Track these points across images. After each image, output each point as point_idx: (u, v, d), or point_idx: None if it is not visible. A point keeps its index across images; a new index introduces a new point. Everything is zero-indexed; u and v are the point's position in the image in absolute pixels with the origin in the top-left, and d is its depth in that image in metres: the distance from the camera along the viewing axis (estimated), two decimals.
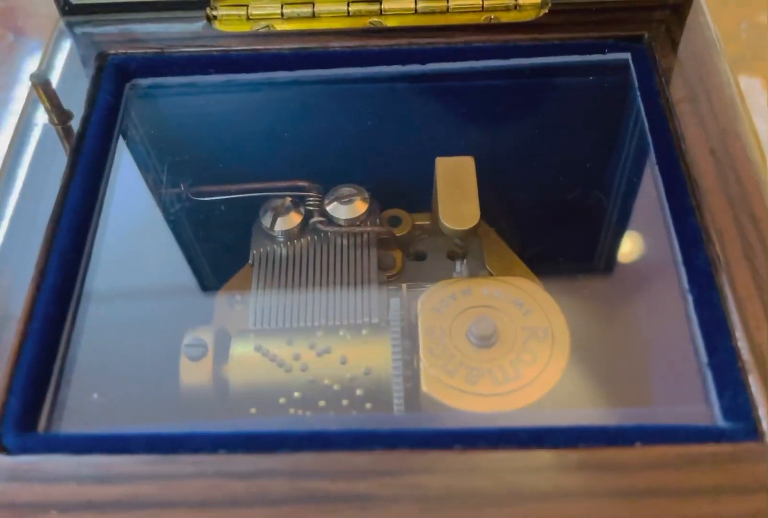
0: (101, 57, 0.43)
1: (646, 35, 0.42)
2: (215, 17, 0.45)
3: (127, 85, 0.43)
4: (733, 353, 0.31)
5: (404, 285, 0.44)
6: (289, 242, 0.45)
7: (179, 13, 0.44)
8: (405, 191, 0.47)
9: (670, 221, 0.35)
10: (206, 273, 0.46)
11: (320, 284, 0.43)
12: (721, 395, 0.31)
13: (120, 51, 0.43)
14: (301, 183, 0.45)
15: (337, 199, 0.45)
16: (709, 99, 0.39)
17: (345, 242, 0.44)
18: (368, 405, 0.39)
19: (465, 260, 0.45)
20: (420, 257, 0.48)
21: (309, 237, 0.45)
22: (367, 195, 0.45)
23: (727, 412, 0.30)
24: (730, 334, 0.32)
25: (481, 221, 0.42)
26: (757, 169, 0.36)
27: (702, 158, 0.37)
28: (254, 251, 0.44)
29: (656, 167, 0.37)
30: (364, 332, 0.41)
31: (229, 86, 0.43)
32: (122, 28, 0.44)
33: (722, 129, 0.38)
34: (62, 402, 0.33)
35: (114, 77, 0.42)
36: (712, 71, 0.40)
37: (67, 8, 0.44)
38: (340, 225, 0.45)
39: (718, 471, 0.28)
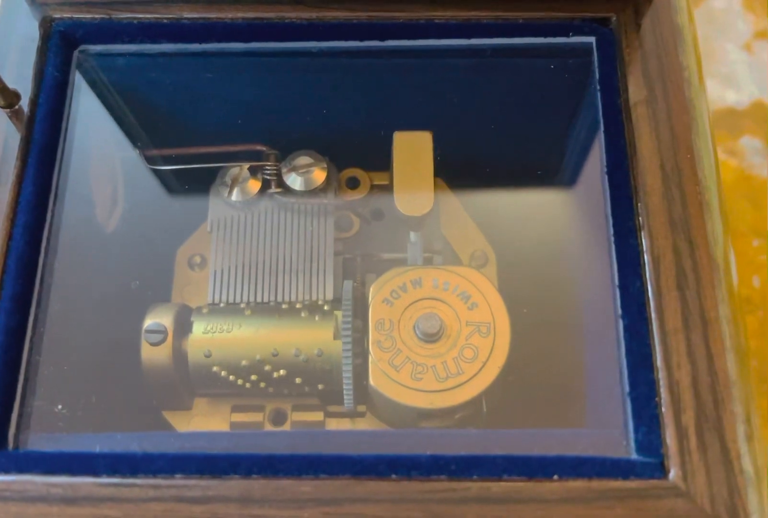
0: (45, 22, 0.41)
1: (614, 18, 0.41)
2: None
3: (75, 53, 0.42)
4: (653, 387, 0.34)
5: (360, 257, 0.45)
6: (246, 210, 0.45)
7: None
8: (362, 152, 0.47)
9: (612, 239, 0.36)
10: (164, 236, 0.47)
11: (278, 258, 0.44)
12: (636, 428, 0.33)
13: (65, 16, 0.41)
14: (258, 147, 0.45)
15: (294, 169, 0.45)
16: (667, 101, 0.39)
17: (303, 211, 0.45)
18: (320, 386, 0.42)
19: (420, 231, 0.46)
20: (377, 216, 0.49)
21: (267, 205, 0.45)
22: (324, 164, 0.45)
23: (640, 446, 0.33)
24: (653, 368, 0.34)
25: (437, 183, 0.43)
26: (704, 188, 0.37)
27: (651, 172, 0.37)
28: (212, 218, 0.45)
29: (606, 178, 0.38)
30: (316, 318, 0.43)
31: (180, 56, 0.42)
32: None
33: (675, 138, 0.38)
34: (28, 416, 0.35)
35: (61, 46, 0.41)
36: (674, 67, 0.40)
37: None
38: (298, 196, 0.45)
39: (624, 506, 0.32)
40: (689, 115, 0.38)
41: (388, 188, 0.47)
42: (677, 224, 0.36)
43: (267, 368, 0.41)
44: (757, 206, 0.55)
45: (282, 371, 0.42)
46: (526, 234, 0.47)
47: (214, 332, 0.42)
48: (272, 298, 0.43)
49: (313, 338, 0.42)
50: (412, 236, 0.45)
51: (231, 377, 0.41)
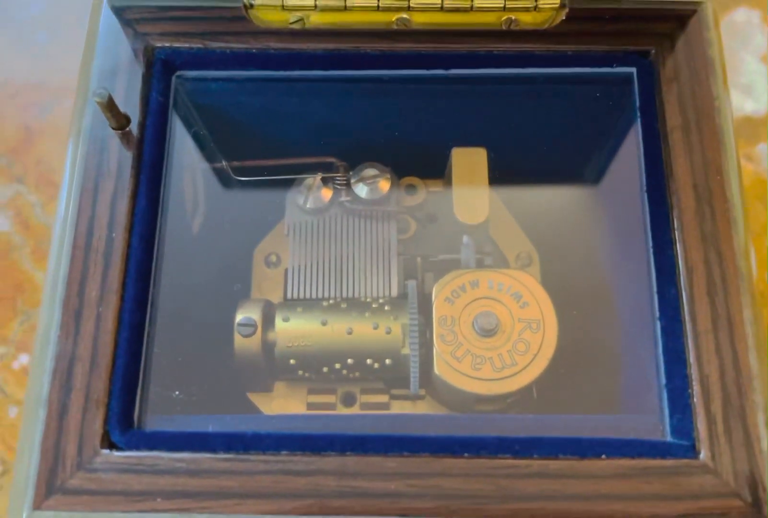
0: (148, 51, 0.46)
1: (653, 51, 0.46)
2: (252, 6, 0.47)
3: (173, 77, 0.47)
4: (686, 380, 0.40)
5: (419, 258, 0.51)
6: (319, 215, 0.51)
7: (218, 2, 0.47)
8: (420, 162, 0.52)
9: (651, 251, 0.42)
10: (244, 237, 0.53)
11: (347, 258, 0.50)
12: (672, 415, 0.39)
13: (166, 45, 0.46)
14: (329, 159, 0.51)
15: (362, 179, 0.50)
16: (699, 127, 0.44)
17: (368, 217, 0.51)
18: (387, 361, 0.48)
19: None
20: (431, 219, 0.54)
21: (337, 211, 0.51)
22: (388, 175, 0.51)
23: (675, 430, 0.39)
24: (686, 363, 0.40)
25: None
26: (731, 205, 0.43)
27: (685, 191, 0.43)
28: (288, 223, 0.51)
29: (645, 196, 0.43)
30: (386, 308, 0.48)
31: (266, 81, 0.47)
32: (164, 18, 0.47)
33: (707, 161, 0.43)
34: (149, 399, 0.41)
35: (162, 72, 0.46)
36: (706, 96, 0.45)
37: None
38: (364, 203, 0.51)
39: (661, 481, 0.38)
40: (719, 140, 0.44)
41: (442, 195, 0.53)
42: (708, 238, 0.42)
43: (342, 349, 0.47)
44: None
45: (352, 358, 0.48)
46: (567, 239, 0.52)
47: (297, 321, 0.47)
48: (343, 294, 0.49)
49: (383, 324, 0.47)
50: (465, 239, 0.51)
51: (309, 365, 0.47)
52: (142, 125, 0.45)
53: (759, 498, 0.37)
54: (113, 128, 0.44)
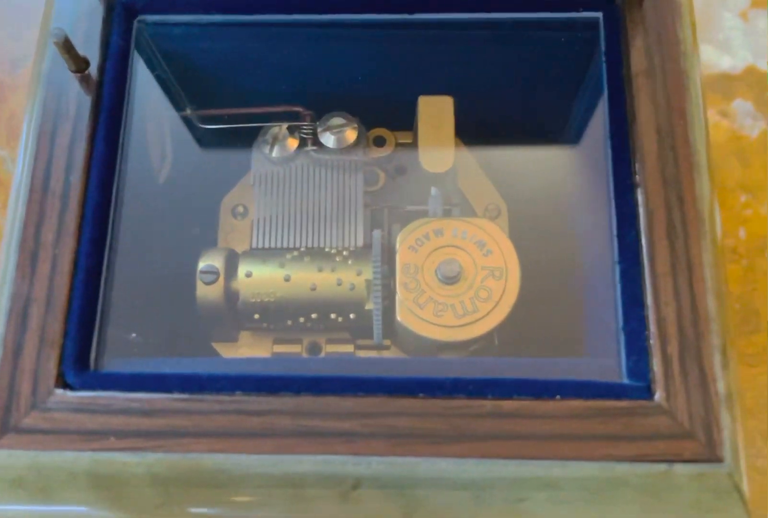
0: None
1: None
2: None
3: (134, 22, 0.46)
4: (643, 323, 0.39)
5: (386, 209, 0.51)
6: (285, 165, 0.51)
7: None
8: (389, 113, 0.52)
9: (612, 195, 0.42)
10: (210, 186, 0.52)
11: (313, 208, 0.50)
12: (628, 357, 0.39)
13: None
14: (296, 108, 0.50)
15: (328, 129, 0.50)
16: (664, 72, 0.44)
17: (335, 167, 0.50)
18: (351, 316, 0.48)
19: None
20: (401, 171, 0.54)
21: (303, 161, 0.51)
22: (355, 124, 0.50)
23: (631, 372, 0.39)
24: (644, 306, 0.40)
25: (456, 142, 0.48)
26: (694, 150, 0.42)
27: (648, 136, 0.43)
28: (255, 173, 0.51)
29: (608, 143, 0.43)
30: (349, 262, 0.48)
31: (230, 26, 0.47)
32: None
33: (670, 106, 0.43)
34: (106, 341, 0.41)
35: (123, 16, 0.46)
36: (672, 40, 0.44)
37: None
38: (331, 153, 0.50)
39: (616, 422, 0.38)
40: (683, 85, 0.43)
41: (411, 147, 0.53)
42: (669, 182, 0.42)
43: (305, 305, 0.47)
44: (745, 164, 0.60)
45: (316, 313, 0.48)
46: (534, 189, 0.52)
47: (260, 275, 0.47)
48: (308, 244, 0.49)
49: (347, 280, 0.47)
50: (433, 190, 0.50)
51: (273, 319, 0.47)
52: (102, 69, 0.44)
53: (713, 438, 0.37)
54: (72, 71, 0.44)
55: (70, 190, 0.42)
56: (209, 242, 0.51)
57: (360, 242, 0.49)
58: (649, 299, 0.40)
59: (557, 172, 0.52)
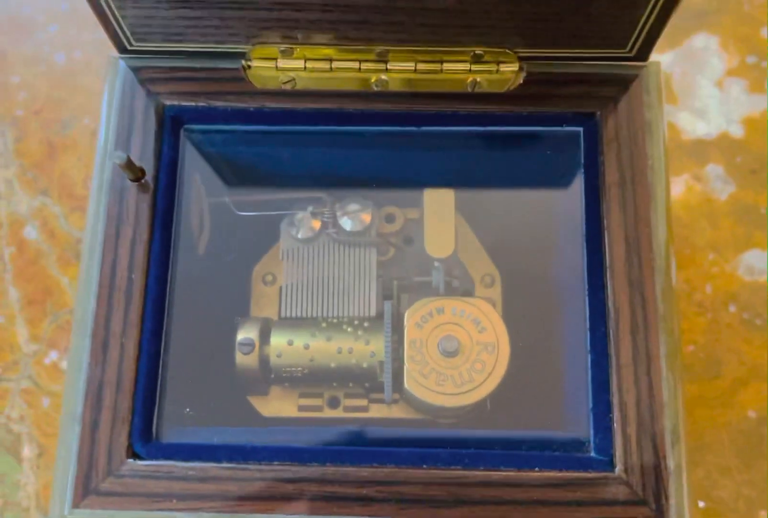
0: (159, 109, 0.53)
1: (598, 113, 0.53)
2: (249, 67, 0.54)
3: (181, 131, 0.54)
4: (608, 406, 0.48)
5: (395, 281, 0.59)
6: (309, 243, 0.59)
7: (220, 63, 0.54)
8: (398, 194, 0.60)
9: (586, 295, 0.50)
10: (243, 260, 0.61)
11: (333, 280, 0.58)
12: (595, 434, 0.48)
13: (174, 103, 0.54)
14: (318, 194, 0.58)
15: (346, 214, 0.58)
16: (633, 184, 0.51)
17: (353, 245, 0.59)
18: (366, 385, 0.57)
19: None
20: (408, 241, 0.62)
21: (325, 240, 0.59)
22: (369, 210, 0.58)
23: (597, 448, 0.48)
24: (609, 391, 0.48)
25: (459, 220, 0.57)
26: (655, 255, 0.50)
27: (617, 242, 0.50)
28: (283, 249, 0.59)
29: (584, 246, 0.51)
30: (365, 324, 0.57)
31: (263, 134, 0.54)
32: (173, 78, 0.54)
33: (638, 215, 0.51)
34: (166, 415, 0.49)
35: (171, 127, 0.53)
36: (641, 156, 0.52)
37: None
38: (348, 235, 0.58)
39: (583, 490, 0.47)
40: (650, 196, 0.51)
41: (418, 222, 0.60)
42: (634, 283, 0.50)
43: (328, 377, 0.56)
44: (714, 225, 0.68)
45: (336, 382, 0.57)
46: (525, 264, 0.60)
47: (288, 356, 0.56)
48: (328, 313, 0.57)
49: (362, 360, 0.56)
50: (436, 263, 0.59)
51: (300, 381, 0.56)
52: (156, 178, 0.52)
53: (662, 506, 0.46)
54: (131, 180, 0.52)
55: (132, 286, 0.50)
56: (243, 307, 0.60)
57: (374, 312, 0.57)
58: (614, 386, 0.48)
59: (544, 251, 0.59)
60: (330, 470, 0.47)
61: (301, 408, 0.58)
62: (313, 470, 0.47)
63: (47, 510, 0.65)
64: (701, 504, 0.61)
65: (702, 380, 0.65)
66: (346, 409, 0.58)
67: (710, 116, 0.70)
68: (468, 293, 0.59)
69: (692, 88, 0.71)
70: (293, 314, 0.58)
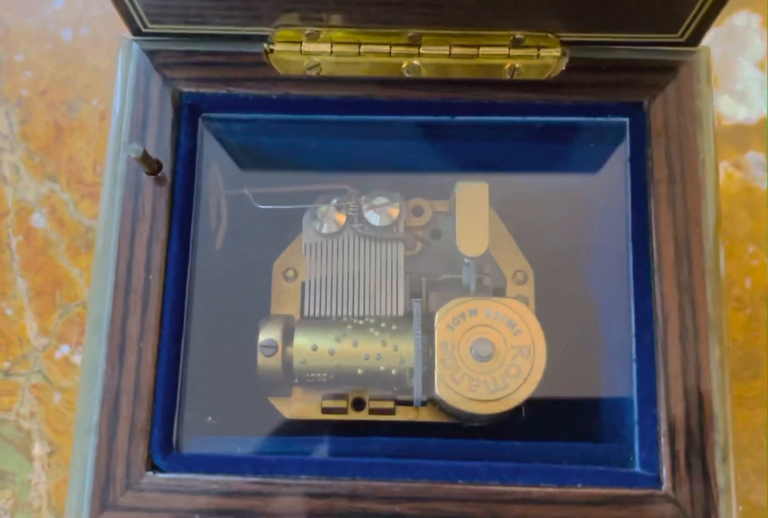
0: (176, 96, 0.50)
1: (645, 102, 0.49)
2: (272, 51, 0.51)
3: (199, 119, 0.51)
4: (655, 419, 0.45)
5: (424, 279, 0.56)
6: (333, 238, 0.56)
7: (240, 47, 0.50)
8: (426, 186, 0.56)
9: (632, 299, 0.47)
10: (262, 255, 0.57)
11: (358, 277, 0.55)
12: (641, 449, 0.45)
13: (192, 90, 0.50)
14: (343, 187, 0.55)
15: (372, 207, 0.55)
16: (683, 181, 0.48)
17: (378, 242, 0.55)
18: (394, 388, 0.54)
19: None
20: (436, 235, 0.59)
21: (349, 235, 0.56)
22: (397, 203, 0.55)
23: (643, 463, 0.45)
24: (656, 403, 0.45)
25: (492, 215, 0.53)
26: (707, 257, 0.47)
27: (666, 243, 0.47)
28: (305, 243, 0.56)
29: (630, 247, 0.48)
30: (393, 327, 0.54)
31: (286, 123, 0.51)
32: (191, 62, 0.50)
33: (688, 214, 0.48)
34: (186, 425, 0.47)
35: (189, 117, 0.50)
36: (692, 150, 0.49)
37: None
38: (375, 230, 0.55)
39: (628, 508, 0.44)
40: (701, 194, 0.48)
41: (447, 214, 0.57)
42: (683, 287, 0.47)
43: (353, 381, 0.53)
44: (755, 216, 0.65)
45: (363, 387, 0.54)
46: (559, 260, 0.57)
47: (313, 362, 0.53)
48: (354, 312, 0.54)
49: (390, 365, 0.53)
50: (466, 259, 0.55)
51: (324, 387, 0.53)
52: (173, 171, 0.49)
53: None
54: (147, 173, 0.48)
55: (150, 288, 0.47)
56: (263, 304, 0.57)
57: (401, 311, 0.54)
58: (661, 399, 0.45)
59: (581, 249, 0.56)
60: (361, 484, 0.45)
61: (324, 411, 0.55)
62: (343, 485, 0.45)
63: (59, 511, 0.63)
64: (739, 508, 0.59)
65: (740, 380, 0.62)
66: (372, 412, 0.55)
67: (751, 100, 0.67)
68: (500, 290, 0.56)
69: (733, 69, 0.68)
70: (316, 313, 0.55)
